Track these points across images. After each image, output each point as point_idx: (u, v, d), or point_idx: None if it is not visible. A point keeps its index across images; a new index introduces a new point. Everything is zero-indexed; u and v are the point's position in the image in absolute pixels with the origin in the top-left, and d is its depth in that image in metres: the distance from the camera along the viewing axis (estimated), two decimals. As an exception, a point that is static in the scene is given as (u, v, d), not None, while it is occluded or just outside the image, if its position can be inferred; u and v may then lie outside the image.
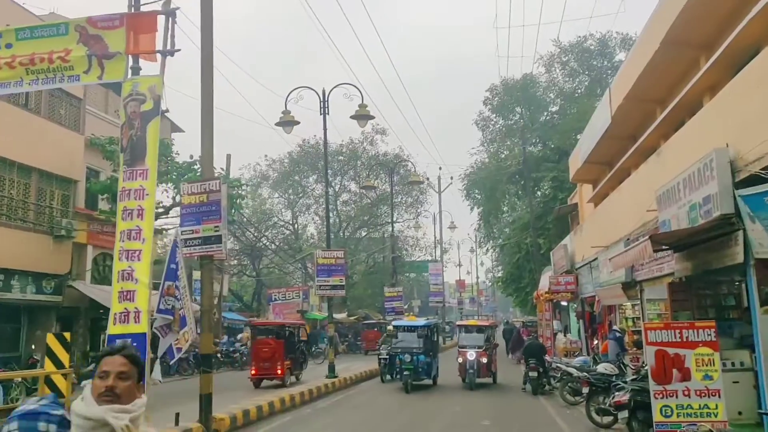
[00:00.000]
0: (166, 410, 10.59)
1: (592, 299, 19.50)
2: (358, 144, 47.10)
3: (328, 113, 17.36)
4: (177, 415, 9.43)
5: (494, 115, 38.20)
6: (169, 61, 8.65)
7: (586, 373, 11.97)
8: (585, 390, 11.58)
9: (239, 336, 31.57)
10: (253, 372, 17.35)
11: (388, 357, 18.37)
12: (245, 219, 46.40)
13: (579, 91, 37.20)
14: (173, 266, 9.22)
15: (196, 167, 20.93)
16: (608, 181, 18.48)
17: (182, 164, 21.35)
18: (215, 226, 9.78)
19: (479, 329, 18.65)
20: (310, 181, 49.63)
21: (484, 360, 17.27)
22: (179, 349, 9.32)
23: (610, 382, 11.31)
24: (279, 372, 16.92)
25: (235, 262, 49.49)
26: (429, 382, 17.60)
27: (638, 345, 15.14)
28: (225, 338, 27.76)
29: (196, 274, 36.03)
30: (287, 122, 16.86)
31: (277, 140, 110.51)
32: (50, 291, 20.11)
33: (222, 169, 21.75)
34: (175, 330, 9.14)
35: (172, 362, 10.05)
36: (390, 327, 22.29)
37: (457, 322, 23.39)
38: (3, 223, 18.32)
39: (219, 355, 24.73)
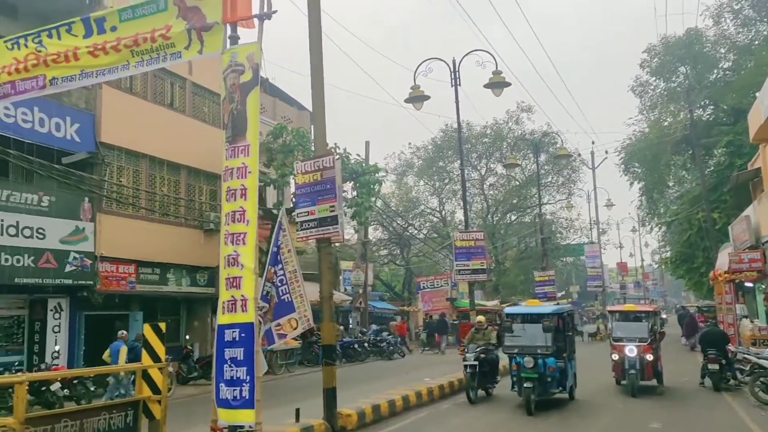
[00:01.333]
0: (295, 404, 10.08)
1: (787, 278, 16.43)
2: (502, 124, 45.07)
3: (459, 84, 16.13)
4: (297, 410, 8.78)
5: (653, 79, 34.40)
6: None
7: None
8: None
9: (391, 323, 31.34)
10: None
11: (478, 363, 12.65)
12: (392, 208, 46.52)
13: (756, 42, 32.31)
14: (275, 249, 8.58)
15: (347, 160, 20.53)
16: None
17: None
18: (330, 206, 9.01)
19: (638, 316, 14.87)
20: (455, 166, 48.37)
21: (649, 357, 13.36)
22: (282, 335, 8.67)
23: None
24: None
25: (385, 251, 49.87)
26: (564, 395, 12.55)
27: None
28: (373, 327, 27.52)
29: (345, 264, 36.65)
30: (417, 98, 15.86)
31: (419, 129, 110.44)
32: (204, 283, 20.86)
33: (358, 155, 21.30)
34: (268, 319, 8.50)
35: (271, 347, 9.50)
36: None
37: (608, 308, 18.41)
38: (157, 220, 19.19)
39: (366, 344, 24.49)
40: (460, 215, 50.53)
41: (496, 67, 15.47)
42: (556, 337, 12.09)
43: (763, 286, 19.15)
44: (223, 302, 7.52)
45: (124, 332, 14.81)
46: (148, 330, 6.15)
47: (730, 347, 14.44)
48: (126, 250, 17.64)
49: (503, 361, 13.69)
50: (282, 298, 8.73)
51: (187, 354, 17.95)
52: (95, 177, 17.01)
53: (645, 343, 13.47)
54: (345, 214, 20.45)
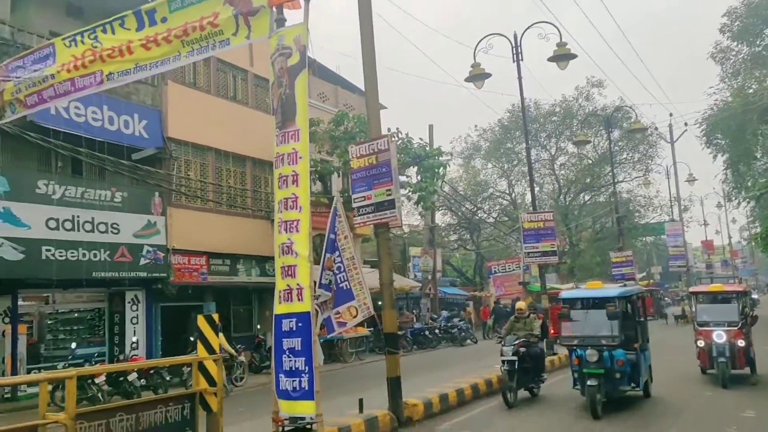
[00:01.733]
0: (363, 393, 9.91)
1: None
2: (572, 101, 43.40)
3: (522, 60, 15.44)
4: (361, 401, 8.58)
5: (735, 43, 32.10)
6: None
7: None
8: None
9: (467, 309, 30.86)
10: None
11: (517, 359, 10.67)
12: (460, 193, 45.85)
13: None
14: (332, 236, 8.36)
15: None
16: None
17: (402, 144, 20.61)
18: (387, 190, 8.72)
19: (726, 297, 13.10)
20: (523, 147, 47.00)
21: (741, 343, 11.73)
22: (342, 324, 8.46)
23: None
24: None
25: (455, 236, 49.28)
26: (638, 392, 10.70)
27: None
28: (444, 313, 27.17)
29: (414, 250, 36.41)
30: (478, 76, 15.29)
31: (485, 111, 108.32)
32: (273, 273, 20.94)
33: (421, 139, 20.88)
34: (329, 307, 8.29)
35: (331, 335, 9.27)
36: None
37: (692, 288, 15.72)
38: (225, 212, 19.50)
39: (437, 330, 24.19)
40: (530, 197, 49.23)
41: (560, 39, 14.68)
42: (625, 324, 10.27)
43: None
44: (279, 291, 7.39)
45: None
46: (201, 321, 6.06)
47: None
48: (196, 243, 18.00)
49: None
50: (341, 285, 8.54)
51: (259, 343, 18.19)
52: (164, 172, 17.39)
53: (735, 328, 11.89)
54: (410, 200, 20.15)
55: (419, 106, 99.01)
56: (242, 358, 15.35)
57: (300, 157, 7.40)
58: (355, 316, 8.62)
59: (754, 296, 24.42)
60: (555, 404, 10.96)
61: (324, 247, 8.53)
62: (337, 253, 8.38)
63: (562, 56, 14.67)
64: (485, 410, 10.47)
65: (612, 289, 11.60)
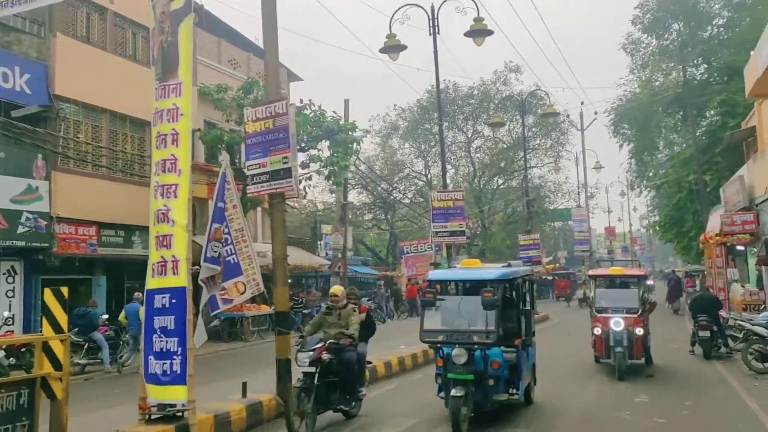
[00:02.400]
0: (257, 374, 9.25)
1: (781, 240, 15.66)
2: (489, 85, 43.79)
3: (438, 33, 14.98)
4: (244, 384, 7.90)
5: (646, 36, 33.14)
6: None
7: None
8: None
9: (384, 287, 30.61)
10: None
11: (317, 371, 7.47)
12: (377, 171, 45.48)
13: (753, -3, 31.12)
14: (221, 205, 7.59)
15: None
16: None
17: (298, 111, 19.75)
18: (284, 157, 7.99)
19: (626, 281, 12.43)
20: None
21: (639, 331, 11.00)
22: (226, 301, 7.74)
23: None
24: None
25: (370, 216, 48.97)
26: (516, 398, 8.02)
27: None
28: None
29: (327, 228, 35.74)
30: (392, 47, 14.70)
31: (404, 90, 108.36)
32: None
33: (334, 112, 20.07)
34: (218, 282, 7.57)
35: (213, 314, 8.49)
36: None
37: (590, 272, 15.30)
38: (120, 179, 18.09)
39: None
40: (446, 178, 49.54)
41: (478, 14, 14.30)
42: (506, 315, 7.98)
43: (755, 250, 18.41)
44: (153, 264, 6.57)
45: (138, 294, 13.97)
46: (48, 295, 5.19)
47: (722, 313, 13.72)
48: (86, 211, 16.59)
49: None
50: (228, 259, 7.78)
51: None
52: (49, 132, 15.81)
53: (634, 315, 11.17)
54: (320, 174, 19.39)
55: (342, 84, 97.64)
56: (128, 336, 14.26)
57: (181, 114, 6.57)
58: (242, 293, 7.89)
59: (650, 282, 25.35)
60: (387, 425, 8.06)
61: (211, 217, 7.73)
62: (225, 223, 7.61)
63: (479, 32, 14.30)
64: (383, 393, 10.03)
65: (491, 270, 8.75)
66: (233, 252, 7.79)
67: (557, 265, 49.76)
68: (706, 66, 32.79)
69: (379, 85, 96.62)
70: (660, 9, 31.70)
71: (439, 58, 15.64)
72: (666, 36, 32.87)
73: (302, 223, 39.43)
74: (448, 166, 48.06)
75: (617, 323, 10.99)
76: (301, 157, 19.51)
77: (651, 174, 38.18)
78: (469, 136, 46.08)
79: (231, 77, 21.49)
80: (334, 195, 29.84)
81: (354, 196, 47.42)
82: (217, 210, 7.59)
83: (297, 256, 24.81)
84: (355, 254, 43.07)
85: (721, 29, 31.87)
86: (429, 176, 48.18)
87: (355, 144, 21.62)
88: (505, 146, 45.58)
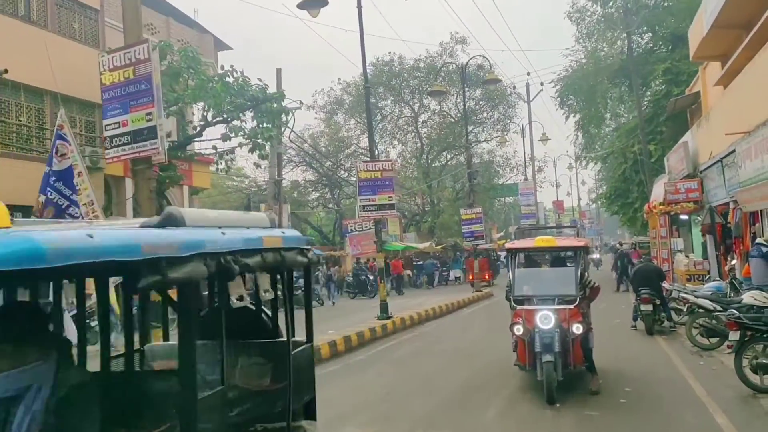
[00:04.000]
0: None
1: (725, 207, 15.02)
2: (436, 57, 42.56)
3: (362, -15, 13.60)
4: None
5: (591, 3, 32.38)
6: None
7: (734, 311, 7.97)
8: (732, 333, 7.65)
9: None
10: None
11: None
12: (323, 148, 43.97)
13: (696, -36, 30.63)
14: (49, 169, 6.16)
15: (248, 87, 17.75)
16: (747, 47, 13.60)
17: (219, 79, 18.05)
18: (147, 114, 6.60)
19: (559, 258, 9.39)
20: (387, 103, 45.90)
21: (577, 329, 7.69)
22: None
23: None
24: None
25: (317, 194, 47.48)
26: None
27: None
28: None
29: (264, 207, 34.13)
30: (312, 2, 13.26)
31: (347, 67, 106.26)
32: (82, 229, 18.09)
33: (259, 79, 18.42)
34: None
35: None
36: None
37: (508, 245, 10.21)
38: (14, 155, 16.17)
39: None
40: (393, 155, 48.43)
41: (405, -36, 12.93)
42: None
43: (699, 218, 17.83)
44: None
45: None
46: None
47: (665, 285, 12.94)
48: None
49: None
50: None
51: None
52: None
53: (571, 306, 7.84)
54: (241, 146, 17.87)
55: (286, 60, 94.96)
56: None
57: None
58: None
59: (595, 255, 24.43)
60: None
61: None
62: (65, 194, 6.15)
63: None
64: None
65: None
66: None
67: (508, 240, 49.37)
68: (650, 34, 32.30)
69: (325, 60, 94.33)
70: (605, -25, 30.94)
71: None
72: (611, 3, 32.18)
73: (242, 203, 37.75)
74: (395, 142, 47.09)
75: (545, 319, 7.62)
76: (222, 129, 17.94)
77: (598, 146, 37.80)
78: (416, 110, 44.92)
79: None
80: (258, 169, 27.89)
81: (298, 174, 46.04)
82: (45, 177, 6.13)
83: (228, 237, 23.27)
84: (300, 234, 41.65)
85: (666, -4, 31.36)
86: (377, 152, 46.91)
87: (285, 115, 20.15)
88: (452, 120, 44.57)
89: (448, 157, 47.27)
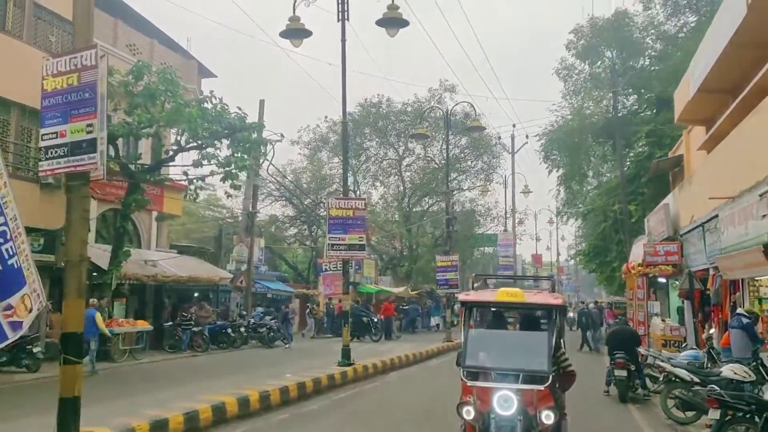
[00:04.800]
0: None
1: (705, 273, 14.59)
2: (424, 102, 42.65)
3: (348, 19, 13.27)
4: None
5: (579, 62, 32.68)
6: None
7: (715, 386, 7.39)
8: (712, 411, 7.05)
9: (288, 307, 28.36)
10: None
11: None
12: (305, 185, 43.48)
13: (684, 31, 31.15)
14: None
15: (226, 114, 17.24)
16: (733, 113, 13.40)
17: (197, 104, 17.49)
18: (88, 125, 5.98)
19: (531, 318, 7.33)
20: (372, 144, 45.77)
21: (548, 417, 5.95)
22: (15, 324, 5.58)
23: (757, 401, 6.83)
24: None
25: (295, 230, 46.72)
26: None
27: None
28: (258, 310, 24.44)
29: (259, 242, 33.33)
30: (295, 31, 12.89)
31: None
32: (39, 248, 17.21)
33: (239, 108, 17.89)
34: None
35: (2, 345, 6.09)
36: None
37: (462, 296, 7.44)
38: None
39: (243, 329, 21.44)
40: (375, 196, 48.09)
41: (393, 1, 12.66)
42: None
43: (677, 282, 17.41)
44: None
45: (95, 300, 15.57)
46: None
47: (641, 350, 12.38)
48: None
49: None
50: (10, 263, 5.61)
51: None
52: None
53: (542, 385, 6.05)
54: (213, 174, 17.26)
55: (276, 96, 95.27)
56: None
57: None
58: (30, 310, 5.73)
59: (571, 314, 24.02)
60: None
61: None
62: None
63: (392, 21, 12.68)
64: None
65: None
66: (14, 252, 5.63)
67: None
68: (636, 96, 32.60)
69: (322, 99, 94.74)
70: (594, 35, 31.29)
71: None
72: (599, 63, 32.52)
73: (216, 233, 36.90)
74: (378, 183, 46.80)
75: (506, 402, 5.90)
76: (194, 155, 17.35)
77: (579, 203, 37.71)
78: (401, 153, 44.77)
79: (124, 61, 19.10)
80: (229, 199, 26.91)
81: (277, 209, 45.39)
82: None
83: (195, 267, 22.44)
84: (273, 269, 40.73)
85: (653, 60, 31.76)
86: (359, 192, 46.52)
87: (263, 146, 19.63)
88: (436, 166, 44.41)
89: (430, 202, 46.98)
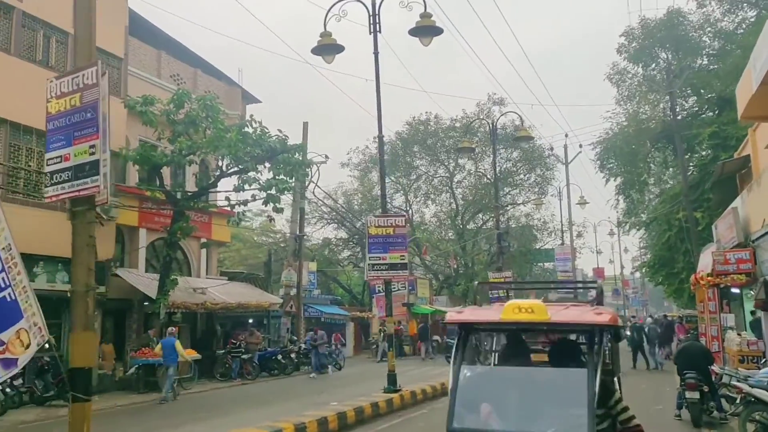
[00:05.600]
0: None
1: (783, 281, 13.30)
2: (472, 117, 41.94)
3: (380, 31, 12.86)
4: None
5: (632, 65, 31.36)
6: None
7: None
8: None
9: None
10: None
11: None
12: (356, 207, 43.37)
13: (743, 27, 29.50)
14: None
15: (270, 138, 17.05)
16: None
17: (237, 128, 17.39)
18: (90, 146, 5.69)
19: (566, 345, 4.84)
20: (423, 162, 45.28)
21: None
22: (8, 362, 5.26)
23: None
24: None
25: (348, 252, 46.50)
26: None
27: None
28: (310, 335, 24.04)
29: (311, 266, 33.18)
30: (328, 47, 12.58)
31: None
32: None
33: (280, 130, 17.70)
34: None
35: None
36: None
37: (449, 315, 4.96)
38: (23, 201, 15.68)
39: (293, 355, 21.09)
40: (428, 215, 47.45)
41: (425, 9, 12.20)
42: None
43: (752, 292, 16.02)
44: None
45: (173, 329, 16.36)
46: None
47: (714, 368, 11.26)
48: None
49: None
50: (1, 295, 5.33)
51: (42, 367, 14.49)
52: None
53: None
54: (255, 198, 17.10)
55: (323, 120, 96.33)
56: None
57: None
58: (27, 346, 5.41)
59: (628, 332, 22.47)
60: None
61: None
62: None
63: (426, 29, 12.20)
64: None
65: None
66: (8, 284, 5.35)
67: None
68: (695, 98, 30.98)
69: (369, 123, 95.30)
70: (647, 37, 30.00)
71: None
72: (653, 66, 31.15)
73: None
74: (429, 202, 46.15)
75: None
76: (234, 181, 17.25)
77: (641, 212, 36.04)
78: (451, 170, 44.09)
79: (167, 90, 19.30)
80: (272, 223, 26.33)
81: (330, 232, 45.36)
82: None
83: (245, 294, 22.33)
84: (327, 293, 40.51)
85: (712, 59, 30.18)
86: (410, 212, 46.06)
87: (307, 168, 19.45)
88: (488, 181, 43.48)
89: (484, 219, 46.00)
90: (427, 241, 44.11)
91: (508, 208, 43.99)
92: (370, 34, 12.86)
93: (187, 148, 16.72)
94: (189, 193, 18.50)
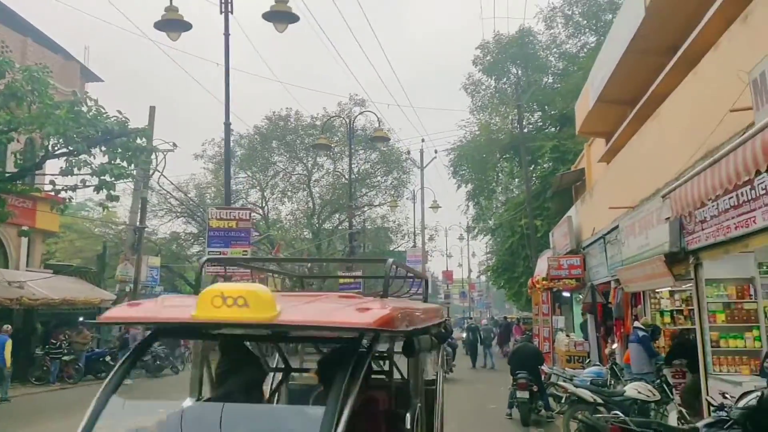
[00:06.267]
0: None
1: (607, 287, 14.29)
2: (333, 116, 41.77)
3: (231, 12, 12.09)
4: None
5: (485, 77, 32.86)
6: None
7: (618, 413, 6.70)
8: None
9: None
10: None
11: None
12: (208, 201, 41.47)
13: (584, 51, 31.94)
14: None
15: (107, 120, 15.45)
16: (631, 123, 13.21)
17: (67, 105, 15.61)
18: None
19: (331, 359, 3.58)
20: (282, 159, 44.39)
21: None
22: None
23: (665, 427, 6.15)
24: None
25: (198, 248, 44.39)
26: None
27: (681, 350, 10.05)
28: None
29: (153, 260, 30.88)
30: (172, 22, 11.59)
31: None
32: None
33: (119, 111, 16.15)
34: None
35: None
36: None
37: (109, 313, 3.33)
38: None
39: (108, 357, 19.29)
40: (285, 212, 46.66)
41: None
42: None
43: (581, 296, 17.16)
44: None
45: (9, 326, 15.38)
46: None
47: (544, 368, 11.76)
48: None
49: None
50: None
51: None
52: None
53: None
54: (85, 184, 15.51)
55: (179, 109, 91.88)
56: None
57: None
58: None
59: (455, 339, 23.55)
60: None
61: None
62: None
63: (280, 14, 11.61)
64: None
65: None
66: None
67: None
68: (540, 113, 33.07)
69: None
70: (500, 51, 31.55)
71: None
72: (504, 79, 32.83)
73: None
74: (285, 199, 45.29)
75: None
76: (61, 163, 15.51)
77: (488, 218, 37.81)
78: (310, 167, 43.61)
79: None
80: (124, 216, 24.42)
81: (179, 226, 43.11)
82: None
83: (72, 289, 20.30)
84: (174, 290, 38.36)
85: (556, 78, 32.35)
86: (266, 208, 44.90)
87: (151, 155, 18.01)
88: (346, 181, 43.53)
89: (340, 218, 46.00)
90: (282, 239, 43.26)
91: (364, 210, 44.33)
92: (221, 13, 12.08)
93: (6, 124, 14.75)
94: (7, 174, 16.39)
